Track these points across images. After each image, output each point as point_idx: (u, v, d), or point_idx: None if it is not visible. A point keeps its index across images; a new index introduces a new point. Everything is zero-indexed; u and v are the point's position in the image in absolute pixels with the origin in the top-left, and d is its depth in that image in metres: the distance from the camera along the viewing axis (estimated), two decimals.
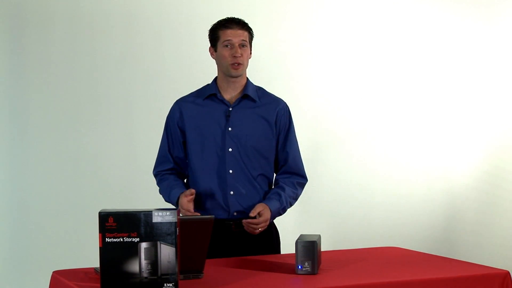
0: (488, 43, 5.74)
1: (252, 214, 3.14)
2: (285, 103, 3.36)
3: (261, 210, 3.16)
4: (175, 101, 3.35)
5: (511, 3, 5.79)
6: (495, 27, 5.76)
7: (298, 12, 5.27)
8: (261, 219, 3.14)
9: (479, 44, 5.72)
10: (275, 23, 5.18)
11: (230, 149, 3.23)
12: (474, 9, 5.70)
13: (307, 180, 3.38)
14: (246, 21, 3.28)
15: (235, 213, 3.23)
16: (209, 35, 3.30)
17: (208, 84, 3.34)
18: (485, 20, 5.73)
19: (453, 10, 5.66)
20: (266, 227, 3.18)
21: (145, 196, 4.67)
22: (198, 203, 3.24)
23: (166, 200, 3.29)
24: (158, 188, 3.35)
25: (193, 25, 4.88)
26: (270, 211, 3.19)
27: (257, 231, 3.16)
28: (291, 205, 3.31)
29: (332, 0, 5.37)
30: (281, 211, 3.26)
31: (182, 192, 3.18)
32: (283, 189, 3.27)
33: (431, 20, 5.61)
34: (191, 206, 3.13)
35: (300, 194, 3.36)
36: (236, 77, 3.25)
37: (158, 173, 3.34)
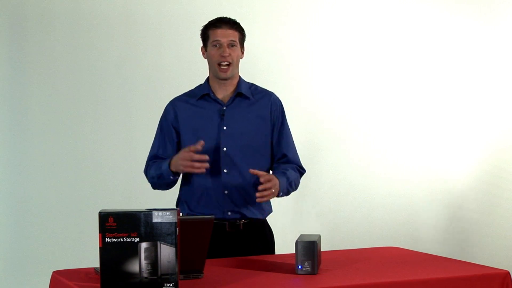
0: (488, 43, 5.74)
1: (262, 179, 3.04)
2: (276, 96, 3.35)
3: (268, 176, 3.08)
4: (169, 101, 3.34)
5: (511, 3, 5.79)
6: (496, 27, 5.76)
7: (297, 11, 5.27)
8: (269, 183, 3.05)
9: (479, 44, 5.72)
10: (275, 22, 5.19)
11: (224, 149, 3.22)
12: (474, 9, 5.70)
13: (305, 171, 3.37)
14: (237, 21, 3.27)
15: (229, 213, 3.22)
16: (200, 34, 3.30)
17: (200, 85, 3.34)
18: (485, 20, 5.73)
19: (453, 10, 5.66)
20: (275, 194, 3.09)
21: (145, 196, 4.67)
22: (193, 203, 3.24)
23: (157, 174, 3.19)
24: (152, 185, 3.32)
25: (193, 25, 4.84)
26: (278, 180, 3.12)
27: (267, 197, 3.07)
28: (295, 186, 3.25)
29: (332, 0, 5.37)
30: (288, 186, 3.18)
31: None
32: (287, 170, 3.22)
33: (431, 20, 5.61)
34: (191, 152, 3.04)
35: (299, 182, 3.31)
36: (224, 79, 3.23)
37: (148, 165, 3.29)
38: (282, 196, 3.20)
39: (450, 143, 5.67)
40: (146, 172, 3.32)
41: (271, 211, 3.36)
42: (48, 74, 4.68)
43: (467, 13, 5.69)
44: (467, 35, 5.69)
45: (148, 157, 3.33)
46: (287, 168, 3.25)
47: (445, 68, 5.66)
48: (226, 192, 3.21)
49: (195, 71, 4.75)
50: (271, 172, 3.34)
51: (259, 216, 3.29)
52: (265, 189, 3.06)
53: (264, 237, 3.31)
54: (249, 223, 3.25)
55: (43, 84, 4.67)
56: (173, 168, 3.13)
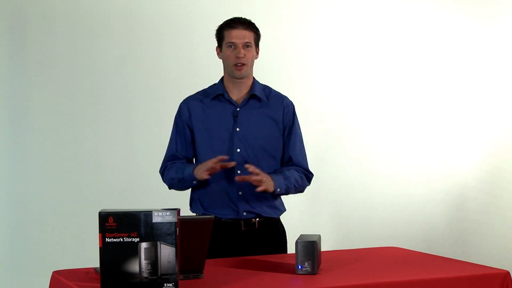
0: (489, 43, 5.74)
1: (250, 169, 3.09)
2: (289, 100, 3.37)
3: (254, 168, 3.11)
4: (182, 100, 3.34)
5: (511, 3, 5.79)
6: (496, 27, 5.76)
7: (300, 11, 5.27)
8: (260, 176, 3.09)
9: (479, 44, 5.72)
10: (277, 22, 5.18)
11: (238, 150, 3.23)
12: (474, 9, 5.70)
13: (312, 175, 3.37)
14: (252, 21, 3.27)
15: (244, 213, 3.24)
16: (215, 35, 3.29)
17: (214, 84, 3.34)
18: (485, 20, 5.73)
19: (453, 10, 5.66)
20: (265, 184, 3.10)
21: (145, 196, 4.68)
22: (207, 203, 3.25)
23: (178, 178, 3.21)
24: (161, 184, 3.33)
25: (193, 25, 4.89)
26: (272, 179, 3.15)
27: (261, 184, 3.09)
28: (296, 183, 3.25)
29: (334, 0, 5.37)
30: (286, 182, 3.19)
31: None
32: (288, 169, 3.24)
33: (432, 20, 5.61)
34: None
35: (306, 185, 3.33)
36: (240, 78, 3.24)
37: (166, 165, 3.30)
38: (280, 192, 3.21)
39: (450, 143, 5.67)
40: (164, 172, 3.32)
41: (284, 210, 3.37)
42: (48, 74, 4.68)
43: (467, 13, 5.69)
44: (467, 35, 5.69)
45: (165, 157, 3.33)
46: (287, 168, 3.26)
47: (445, 68, 5.66)
48: (240, 193, 3.22)
49: (195, 71, 4.78)
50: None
51: (274, 215, 3.30)
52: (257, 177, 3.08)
53: (278, 235, 3.33)
54: (264, 222, 3.27)
55: (43, 84, 4.67)
56: (197, 176, 3.15)
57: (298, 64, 5.26)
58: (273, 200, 3.29)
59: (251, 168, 3.10)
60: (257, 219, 3.25)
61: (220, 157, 3.10)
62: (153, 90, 4.85)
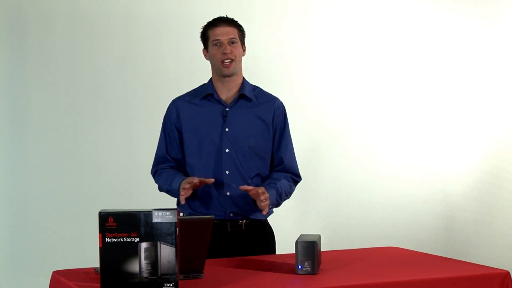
0: (488, 43, 5.74)
1: (251, 193, 3.07)
2: (281, 102, 3.35)
3: (257, 189, 3.08)
4: (171, 100, 3.34)
5: (511, 3, 5.79)
6: (496, 27, 5.76)
7: (298, 11, 5.28)
8: (263, 196, 3.05)
9: (479, 44, 5.72)
10: (275, 22, 5.19)
11: (226, 150, 3.22)
12: (474, 9, 5.70)
13: (301, 179, 3.36)
14: (235, 19, 3.27)
15: (231, 214, 3.22)
16: (200, 37, 3.30)
17: (204, 84, 3.33)
18: (485, 20, 5.73)
19: (453, 10, 5.66)
20: (267, 202, 3.08)
21: (145, 196, 4.66)
22: (194, 203, 3.24)
23: (166, 189, 3.23)
24: (157, 186, 3.34)
25: (193, 25, 4.84)
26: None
27: (263, 203, 3.06)
28: (286, 196, 3.25)
29: (332, 0, 5.38)
30: (277, 198, 3.19)
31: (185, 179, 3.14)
32: (279, 180, 3.22)
33: (432, 20, 5.61)
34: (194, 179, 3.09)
35: (293, 190, 3.33)
36: (229, 75, 3.23)
37: (157, 169, 3.31)
38: (271, 208, 3.19)
39: (450, 143, 5.67)
40: (154, 176, 3.33)
41: (272, 211, 3.36)
42: (48, 74, 4.68)
43: (467, 13, 5.69)
44: (467, 35, 5.69)
45: (155, 159, 3.33)
46: (279, 178, 3.24)
47: (445, 68, 5.66)
48: (228, 193, 3.21)
49: (195, 71, 4.76)
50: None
51: (261, 217, 3.29)
52: (263, 200, 3.07)
53: (265, 237, 3.31)
54: (250, 223, 3.26)
55: (43, 84, 4.67)
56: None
57: (297, 63, 5.26)
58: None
59: (247, 190, 3.08)
60: (244, 220, 3.24)
61: (207, 180, 3.11)
62: (153, 90, 4.85)
